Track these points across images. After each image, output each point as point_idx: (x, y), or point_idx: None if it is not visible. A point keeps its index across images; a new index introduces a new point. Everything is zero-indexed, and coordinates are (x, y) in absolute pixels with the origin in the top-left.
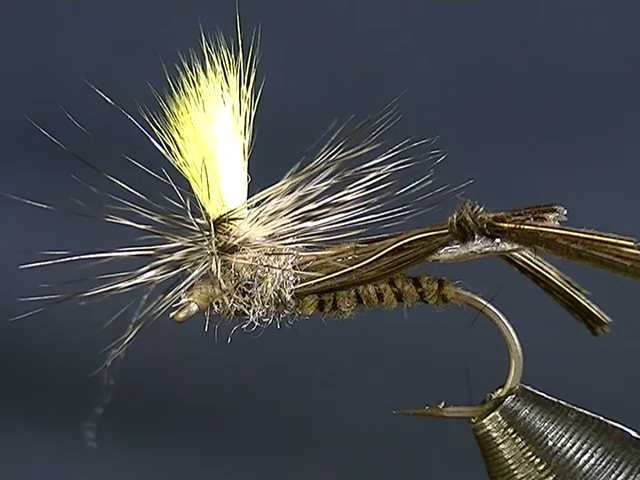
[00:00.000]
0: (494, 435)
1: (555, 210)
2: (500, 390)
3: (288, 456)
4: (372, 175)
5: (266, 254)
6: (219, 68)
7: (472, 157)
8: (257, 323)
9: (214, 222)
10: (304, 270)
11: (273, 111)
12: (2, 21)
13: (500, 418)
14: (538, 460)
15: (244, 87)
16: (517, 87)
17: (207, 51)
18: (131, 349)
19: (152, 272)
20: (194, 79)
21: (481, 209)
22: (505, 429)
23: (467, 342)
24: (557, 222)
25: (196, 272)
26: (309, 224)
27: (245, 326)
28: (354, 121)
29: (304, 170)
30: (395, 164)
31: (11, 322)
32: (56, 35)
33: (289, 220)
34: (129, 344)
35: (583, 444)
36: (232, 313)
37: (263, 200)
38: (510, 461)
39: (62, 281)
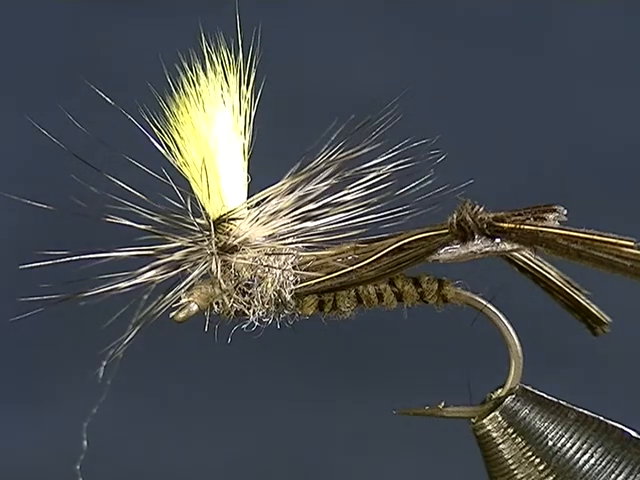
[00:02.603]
0: (494, 435)
1: (555, 210)
2: (500, 390)
3: None
4: (372, 175)
5: (266, 254)
6: (219, 68)
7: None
8: (257, 323)
9: (214, 222)
10: (304, 270)
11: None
12: (3, 20)
13: (500, 418)
14: (538, 460)
15: (244, 87)
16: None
17: (207, 51)
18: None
19: (152, 272)
20: (194, 79)
21: (481, 209)
22: (505, 429)
23: (467, 342)
24: (557, 222)
25: (196, 272)
26: (309, 224)
27: (245, 326)
28: (354, 121)
29: (304, 170)
30: (395, 164)
31: None
32: (55, 34)
33: (289, 220)
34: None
35: (583, 444)
36: (232, 313)
37: (263, 200)
38: (510, 461)
39: (62, 281)
